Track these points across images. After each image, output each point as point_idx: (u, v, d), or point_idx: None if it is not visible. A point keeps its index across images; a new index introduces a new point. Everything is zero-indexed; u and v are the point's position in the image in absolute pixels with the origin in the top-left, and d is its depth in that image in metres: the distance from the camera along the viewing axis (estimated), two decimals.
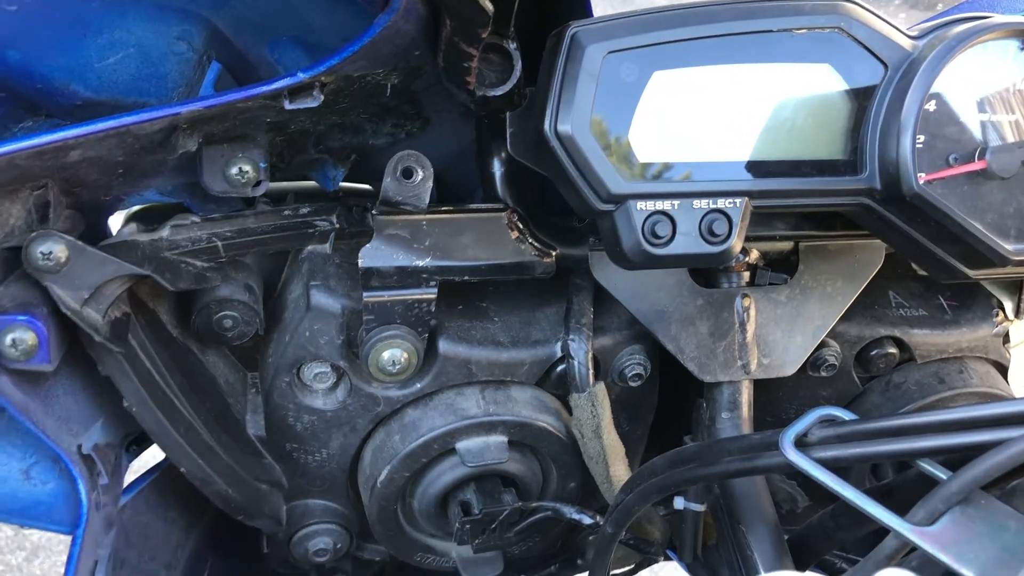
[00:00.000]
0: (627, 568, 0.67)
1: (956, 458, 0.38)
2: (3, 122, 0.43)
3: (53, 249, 0.42)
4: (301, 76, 0.40)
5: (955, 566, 0.34)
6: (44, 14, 0.39)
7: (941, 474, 0.38)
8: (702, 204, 0.43)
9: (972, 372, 0.60)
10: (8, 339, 0.42)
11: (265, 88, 0.40)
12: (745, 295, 0.52)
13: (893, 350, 0.59)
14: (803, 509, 0.61)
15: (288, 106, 0.41)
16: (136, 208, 0.50)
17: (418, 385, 0.53)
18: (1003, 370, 0.61)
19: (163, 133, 0.42)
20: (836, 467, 0.39)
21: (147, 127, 0.40)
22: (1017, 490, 0.37)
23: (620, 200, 0.43)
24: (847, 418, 0.41)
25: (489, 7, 0.37)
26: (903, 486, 0.43)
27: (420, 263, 0.49)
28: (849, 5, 0.43)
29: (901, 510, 0.36)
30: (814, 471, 0.39)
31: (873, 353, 0.59)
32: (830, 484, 0.38)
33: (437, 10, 0.39)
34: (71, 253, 0.43)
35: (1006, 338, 0.61)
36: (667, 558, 0.64)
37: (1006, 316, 0.60)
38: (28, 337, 0.42)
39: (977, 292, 0.60)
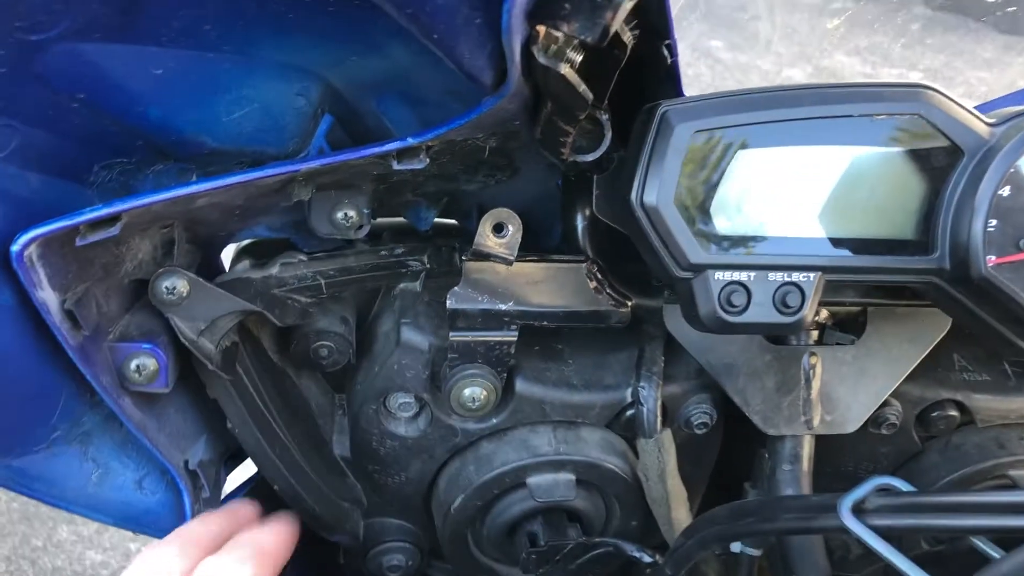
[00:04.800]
0: None
1: (1007, 536, 0.38)
2: (138, 166, 0.46)
3: (176, 284, 0.46)
4: (410, 141, 0.43)
5: None
6: (182, 76, 0.42)
7: (994, 553, 0.39)
8: (777, 276, 0.44)
9: None
10: (133, 364, 0.45)
11: (377, 149, 0.43)
12: (812, 353, 0.52)
13: (954, 412, 0.58)
14: (856, 557, 0.62)
15: (396, 167, 0.44)
16: (246, 242, 0.54)
17: (494, 420, 0.56)
18: None
19: (281, 183, 0.45)
20: (890, 535, 0.41)
21: (269, 180, 0.44)
22: None
23: (699, 269, 0.44)
24: (904, 488, 0.43)
25: (589, 96, 0.39)
26: (954, 556, 0.44)
27: (503, 307, 0.52)
28: (929, 92, 0.43)
29: None
30: (869, 539, 0.40)
31: (934, 414, 0.58)
32: (884, 553, 0.39)
33: (539, 92, 0.42)
34: (192, 288, 0.47)
35: None
36: None
37: None
38: (150, 363, 0.46)
39: None
